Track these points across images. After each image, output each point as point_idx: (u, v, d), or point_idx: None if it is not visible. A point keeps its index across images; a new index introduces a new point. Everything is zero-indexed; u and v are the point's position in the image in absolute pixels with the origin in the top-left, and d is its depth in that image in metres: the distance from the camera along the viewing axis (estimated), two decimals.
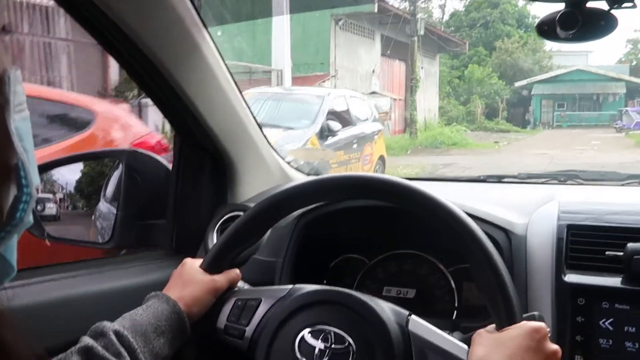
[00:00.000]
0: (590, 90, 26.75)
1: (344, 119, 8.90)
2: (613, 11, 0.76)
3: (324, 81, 15.82)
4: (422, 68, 19.89)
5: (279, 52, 12.84)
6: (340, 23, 16.67)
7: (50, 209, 1.62)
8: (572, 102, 27.42)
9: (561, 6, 0.78)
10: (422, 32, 18.55)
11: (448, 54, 27.68)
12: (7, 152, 0.44)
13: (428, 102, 21.92)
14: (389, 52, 19.22)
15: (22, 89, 0.46)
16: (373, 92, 17.27)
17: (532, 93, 27.42)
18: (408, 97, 20.34)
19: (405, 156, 15.04)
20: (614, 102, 26.64)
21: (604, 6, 0.76)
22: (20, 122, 0.44)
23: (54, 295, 1.13)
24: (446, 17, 30.69)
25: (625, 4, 0.75)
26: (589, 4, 0.76)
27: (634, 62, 30.13)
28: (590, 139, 19.06)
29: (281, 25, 12.29)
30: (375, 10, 16.39)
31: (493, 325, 0.86)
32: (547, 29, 0.79)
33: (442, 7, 30.82)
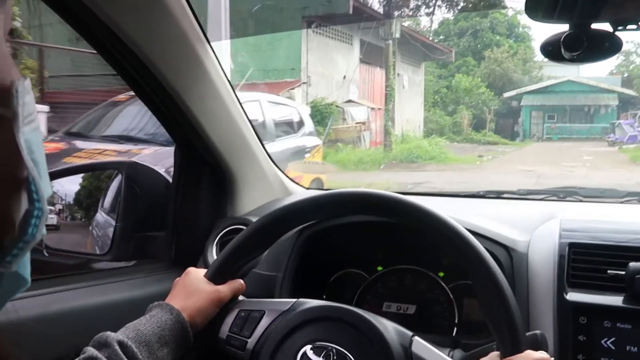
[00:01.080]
0: (582, 101, 25.86)
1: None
2: (617, 33, 0.77)
3: (292, 88, 14.68)
4: (398, 75, 18.57)
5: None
6: (313, 26, 15.30)
7: (52, 219, 1.61)
8: (563, 114, 26.44)
9: (565, 27, 0.79)
10: (397, 35, 17.22)
11: (436, 63, 27.04)
12: (17, 165, 0.42)
13: (412, 112, 21.02)
14: (369, 58, 17.89)
15: (31, 98, 0.44)
16: (349, 101, 16.37)
17: (521, 104, 26.56)
18: (389, 107, 19.06)
19: (378, 171, 13.56)
20: (606, 114, 25.68)
21: (609, 28, 0.77)
22: (30, 134, 0.43)
23: (55, 307, 1.12)
24: (435, 26, 29.86)
25: (629, 26, 0.76)
26: (593, 26, 0.77)
27: (626, 74, 29.29)
28: (581, 153, 17.81)
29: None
30: (350, 11, 14.76)
31: (497, 353, 0.86)
32: (552, 49, 0.80)
33: (430, 14, 29.98)
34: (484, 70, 27.30)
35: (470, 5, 27.12)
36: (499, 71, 26.96)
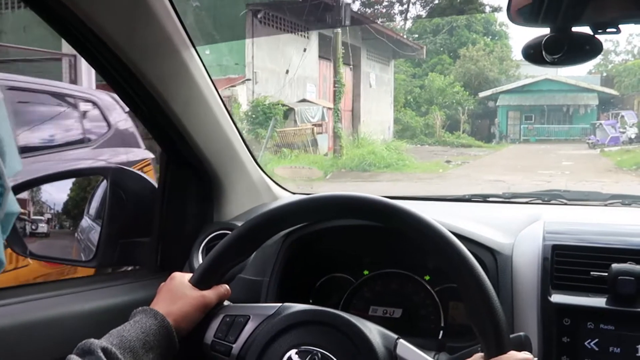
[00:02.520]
0: (560, 101, 24.40)
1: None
2: (598, 36, 0.78)
3: (233, 85, 12.91)
4: (347, 67, 16.60)
5: None
6: (259, 15, 13.12)
7: (42, 227, 1.61)
8: (541, 114, 25.02)
9: (546, 30, 0.80)
10: (347, 22, 14.61)
11: (410, 62, 25.99)
12: None
13: (381, 113, 19.71)
14: (331, 54, 15.80)
15: None
16: (303, 100, 14.66)
17: (497, 104, 25.04)
18: (356, 107, 17.96)
19: (323, 182, 11.30)
20: (586, 114, 24.26)
21: (589, 31, 0.78)
22: None
23: (37, 315, 1.11)
24: (409, 24, 28.32)
25: (609, 30, 0.77)
26: (574, 29, 0.78)
27: (605, 74, 28.21)
28: (560, 157, 16.11)
29: None
30: None
31: (481, 355, 0.86)
32: (533, 52, 0.80)
33: (404, 12, 28.20)
34: (459, 69, 26.04)
35: (443, 5, 26.14)
36: (475, 70, 25.67)
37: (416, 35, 27.84)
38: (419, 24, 28.81)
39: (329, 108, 15.50)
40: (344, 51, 15.84)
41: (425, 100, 24.17)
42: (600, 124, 21.38)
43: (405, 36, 24.22)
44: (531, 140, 23.96)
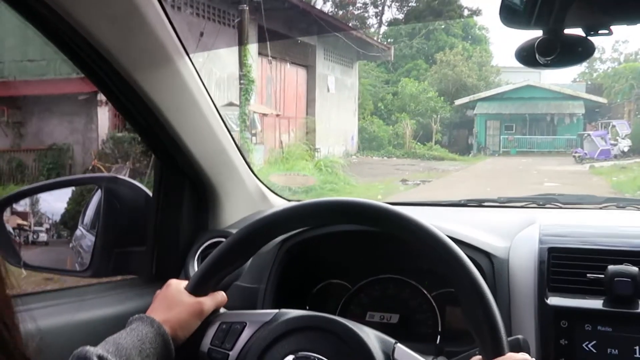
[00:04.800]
0: (543, 109, 22.19)
1: None
2: (590, 38, 0.78)
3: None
4: (299, 67, 14.44)
5: None
6: None
7: (43, 237, 1.61)
8: (522, 124, 22.66)
9: (539, 33, 0.80)
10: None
11: (385, 67, 23.82)
12: None
13: (342, 121, 17.34)
14: (278, 52, 13.43)
15: None
16: (230, 104, 11.89)
17: (475, 112, 22.74)
18: (311, 113, 15.69)
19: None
20: (572, 124, 22.01)
21: (581, 33, 0.78)
22: None
23: (31, 325, 1.10)
24: (384, 28, 26.19)
25: (601, 31, 0.77)
26: (566, 31, 0.78)
27: (589, 82, 26.09)
28: (542, 176, 13.52)
29: None
30: None
31: (479, 358, 0.86)
32: (526, 55, 0.81)
33: (379, 14, 25.93)
34: (435, 75, 23.83)
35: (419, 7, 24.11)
36: (452, 75, 23.44)
37: (391, 40, 25.94)
38: (393, 28, 26.87)
39: (264, 114, 13.17)
40: (292, 49, 13.91)
41: (398, 107, 22.06)
42: (589, 134, 19.40)
43: (376, 38, 22.09)
44: (511, 153, 21.90)
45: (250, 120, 12.21)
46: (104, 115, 12.11)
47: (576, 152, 18.50)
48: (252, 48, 12.52)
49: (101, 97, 11.93)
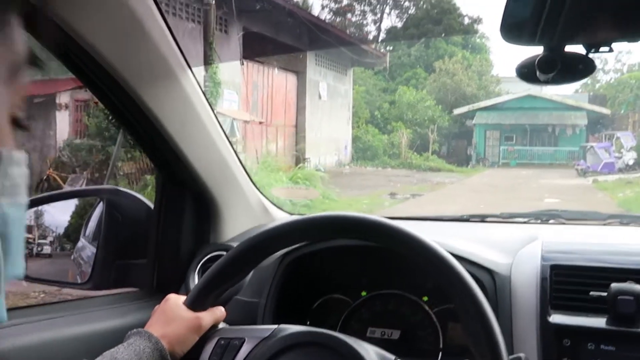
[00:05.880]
0: (545, 120, 21.51)
1: None
2: (591, 55, 0.78)
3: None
4: (288, 73, 13.77)
5: None
6: None
7: (47, 249, 1.61)
8: (523, 135, 21.98)
9: (540, 49, 0.80)
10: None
11: (382, 75, 23.62)
12: None
13: (334, 130, 16.66)
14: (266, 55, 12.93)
15: (20, 173, 0.41)
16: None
17: (474, 122, 22.05)
18: (301, 121, 14.88)
19: None
20: (574, 135, 21.24)
21: (582, 50, 0.78)
22: (9, 208, 0.40)
23: (31, 338, 1.10)
24: (382, 35, 25.88)
25: (602, 49, 0.77)
26: (567, 48, 0.78)
27: (592, 93, 25.29)
28: (542, 191, 12.77)
29: None
30: None
31: None
32: (527, 71, 0.81)
33: (377, 22, 25.48)
34: (434, 83, 23.34)
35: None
36: (451, 84, 22.97)
37: (390, 48, 25.63)
38: (392, 34, 26.24)
39: (245, 121, 12.24)
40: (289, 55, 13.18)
41: (395, 116, 21.51)
42: (592, 147, 18.40)
43: (377, 48, 21.38)
44: (511, 164, 21.11)
45: (229, 127, 11.06)
46: (64, 120, 11.46)
47: (578, 165, 17.84)
48: (236, 52, 11.82)
49: (60, 100, 11.29)
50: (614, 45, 0.77)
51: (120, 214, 1.48)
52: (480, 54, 26.51)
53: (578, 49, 0.78)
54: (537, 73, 0.80)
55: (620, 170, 16.93)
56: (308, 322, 1.37)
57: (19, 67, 0.42)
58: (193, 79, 1.27)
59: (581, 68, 0.78)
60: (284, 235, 1.02)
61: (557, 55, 0.78)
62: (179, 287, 1.39)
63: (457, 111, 22.29)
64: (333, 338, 0.92)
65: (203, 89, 1.32)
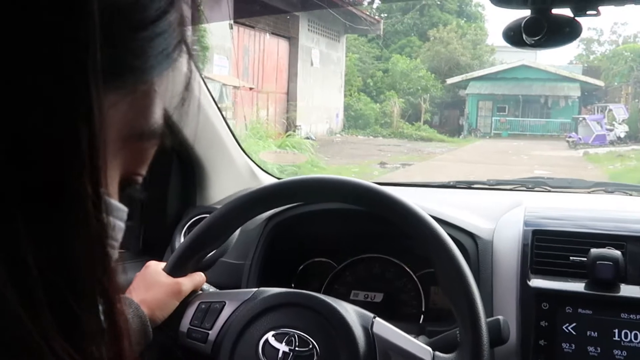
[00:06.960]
0: (538, 91, 21.13)
1: None
2: (577, 18, 0.77)
3: None
4: (280, 38, 13.17)
5: None
6: None
7: None
8: (515, 106, 21.70)
9: (527, 12, 0.79)
10: None
11: (376, 42, 22.86)
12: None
13: (326, 98, 16.14)
14: (257, 20, 12.36)
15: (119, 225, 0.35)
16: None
17: (466, 92, 21.62)
18: (292, 89, 14.38)
19: None
20: (566, 107, 21.00)
21: (569, 13, 0.77)
22: None
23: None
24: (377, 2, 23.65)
25: (589, 12, 0.76)
26: (554, 11, 0.77)
27: (586, 65, 25.09)
28: (533, 162, 12.88)
29: None
30: None
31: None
32: (514, 34, 0.80)
33: None
34: (427, 52, 22.77)
35: None
36: (445, 53, 22.36)
37: (385, 15, 24.46)
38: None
39: (235, 87, 11.76)
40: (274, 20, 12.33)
41: (388, 85, 20.98)
42: (584, 118, 18.29)
43: (369, 12, 19.58)
44: (503, 135, 20.90)
45: (218, 93, 10.69)
46: None
47: (570, 137, 17.55)
48: (226, 15, 10.92)
49: None
50: (601, 8, 0.77)
51: None
52: (475, 22, 25.94)
53: (565, 11, 0.78)
54: (524, 36, 0.79)
55: (612, 143, 16.82)
56: (293, 285, 1.38)
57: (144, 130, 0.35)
58: None
59: (568, 31, 0.77)
60: (265, 197, 1.02)
61: (543, 18, 0.77)
62: (165, 248, 1.39)
63: (450, 81, 21.88)
64: (313, 298, 0.93)
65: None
